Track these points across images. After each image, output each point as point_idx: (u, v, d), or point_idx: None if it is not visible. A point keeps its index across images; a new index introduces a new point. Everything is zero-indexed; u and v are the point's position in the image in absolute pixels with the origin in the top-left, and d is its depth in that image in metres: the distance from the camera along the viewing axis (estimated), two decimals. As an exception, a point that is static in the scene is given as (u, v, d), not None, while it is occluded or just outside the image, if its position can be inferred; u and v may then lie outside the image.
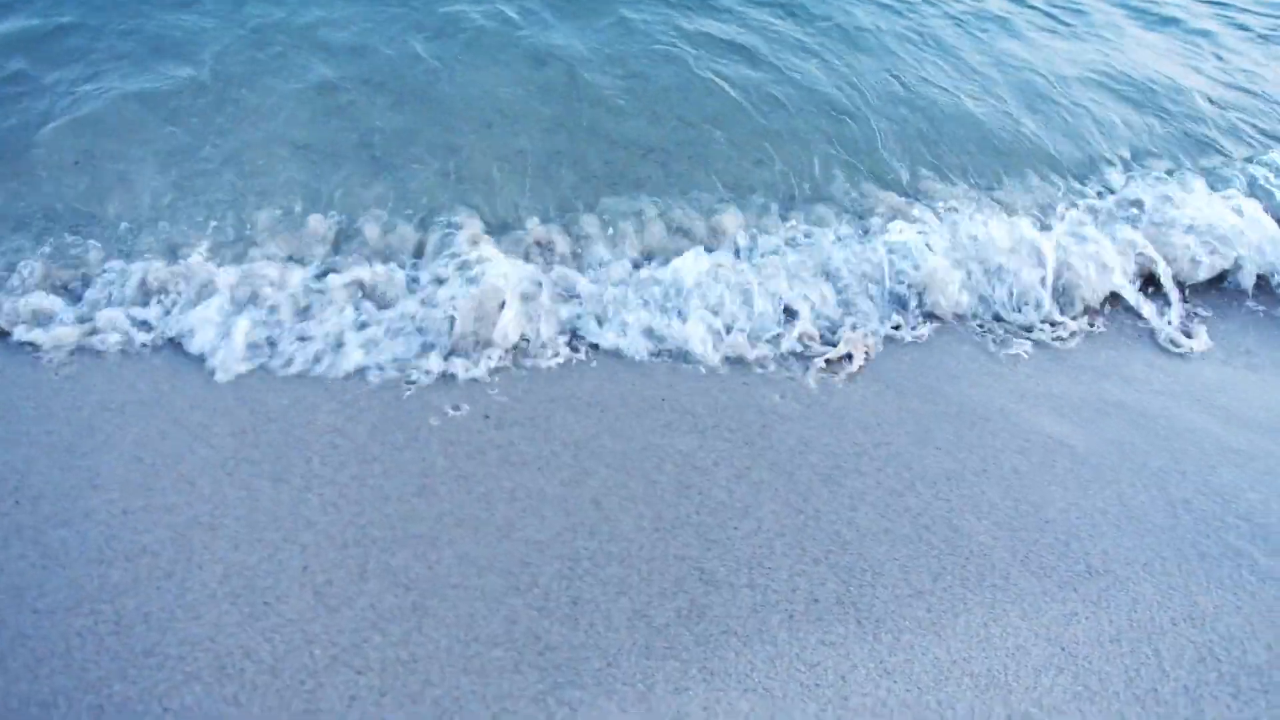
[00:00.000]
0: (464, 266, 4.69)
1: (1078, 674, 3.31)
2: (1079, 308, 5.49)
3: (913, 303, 5.24)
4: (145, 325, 4.27)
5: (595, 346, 4.59)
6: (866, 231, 5.59)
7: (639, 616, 3.25)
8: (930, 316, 5.22)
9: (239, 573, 3.22)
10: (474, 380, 4.25)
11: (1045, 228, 5.90)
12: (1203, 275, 5.90)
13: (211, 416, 3.89)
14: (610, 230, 5.24)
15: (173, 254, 4.69)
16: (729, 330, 4.76)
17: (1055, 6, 9.19)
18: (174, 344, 4.29)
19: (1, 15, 6.47)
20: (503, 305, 4.41)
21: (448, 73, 6.49)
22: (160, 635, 3.00)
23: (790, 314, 4.98)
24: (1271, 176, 6.81)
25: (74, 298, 4.44)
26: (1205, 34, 9.25)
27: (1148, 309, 5.56)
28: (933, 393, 4.62)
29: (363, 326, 4.37)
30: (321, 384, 4.13)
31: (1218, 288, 5.93)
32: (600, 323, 4.65)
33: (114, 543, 3.27)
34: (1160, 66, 8.33)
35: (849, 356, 4.71)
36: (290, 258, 4.74)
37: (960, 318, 5.26)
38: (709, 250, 5.21)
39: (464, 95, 6.31)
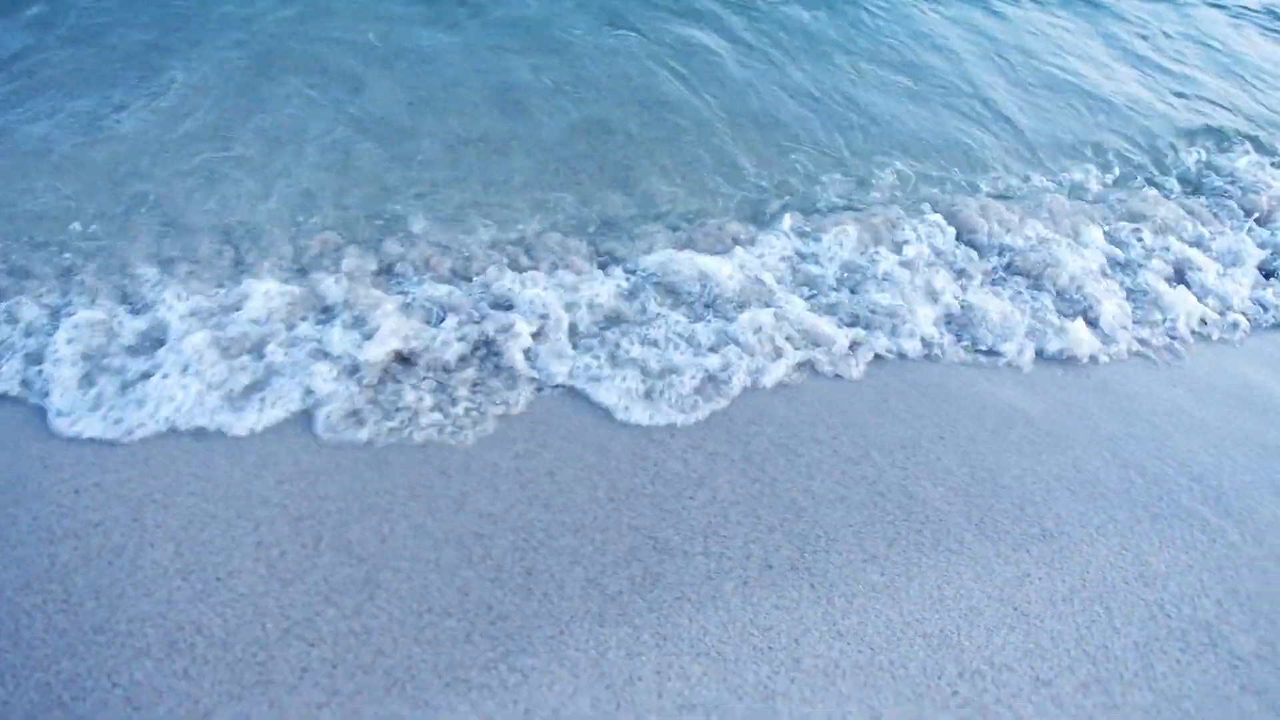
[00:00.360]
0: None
1: (1029, 632, 3.34)
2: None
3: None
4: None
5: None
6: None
7: (592, 585, 3.26)
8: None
9: (191, 549, 3.21)
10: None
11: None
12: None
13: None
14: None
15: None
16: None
17: None
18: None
19: None
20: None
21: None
22: (110, 612, 2.99)
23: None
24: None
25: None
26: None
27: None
28: (890, 363, 4.65)
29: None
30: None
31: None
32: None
33: (64, 520, 3.25)
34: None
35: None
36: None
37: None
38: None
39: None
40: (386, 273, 4.61)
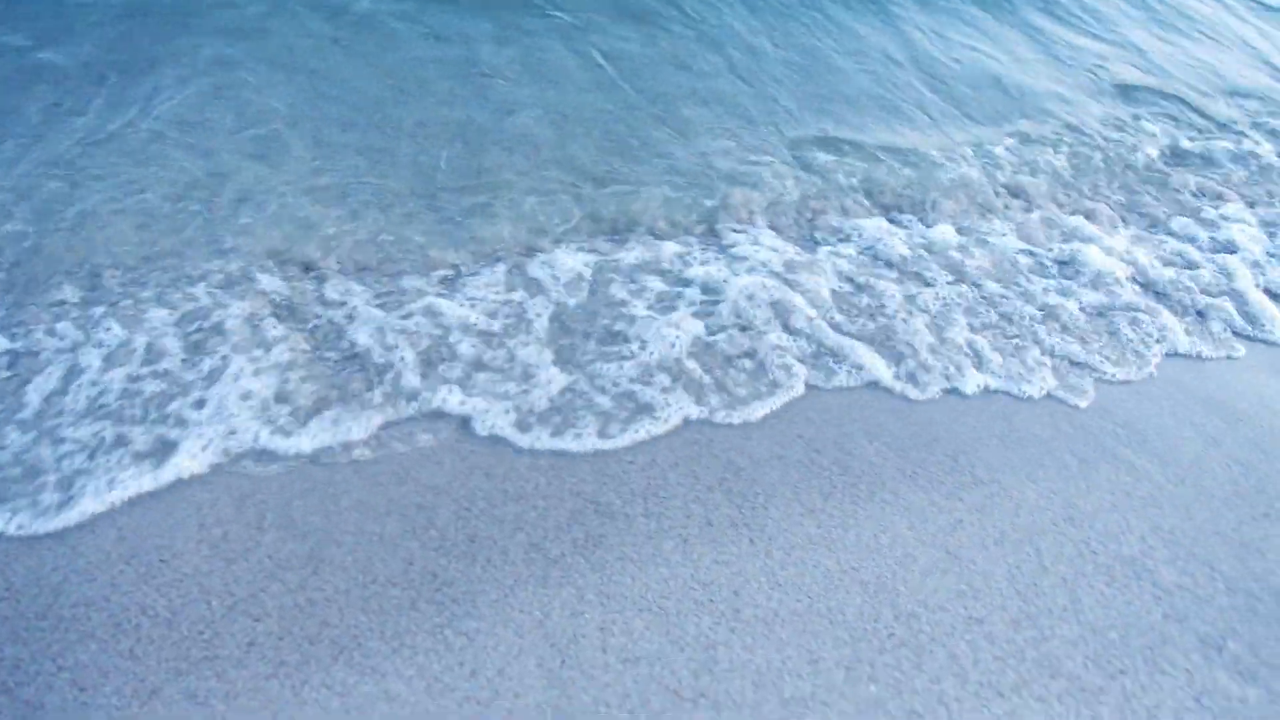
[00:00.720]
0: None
1: (962, 574, 3.44)
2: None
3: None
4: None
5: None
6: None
7: (535, 550, 3.32)
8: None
9: (133, 533, 3.22)
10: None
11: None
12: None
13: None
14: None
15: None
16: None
17: None
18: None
19: None
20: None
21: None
22: (53, 599, 3.00)
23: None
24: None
25: None
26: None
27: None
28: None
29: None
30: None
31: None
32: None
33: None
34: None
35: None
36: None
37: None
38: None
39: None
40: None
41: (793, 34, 8.08)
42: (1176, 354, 5.06)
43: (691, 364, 4.25)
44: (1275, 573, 3.68)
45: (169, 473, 3.40)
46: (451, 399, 3.86)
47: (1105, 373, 4.76)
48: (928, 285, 5.21)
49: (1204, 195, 7.07)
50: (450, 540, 3.31)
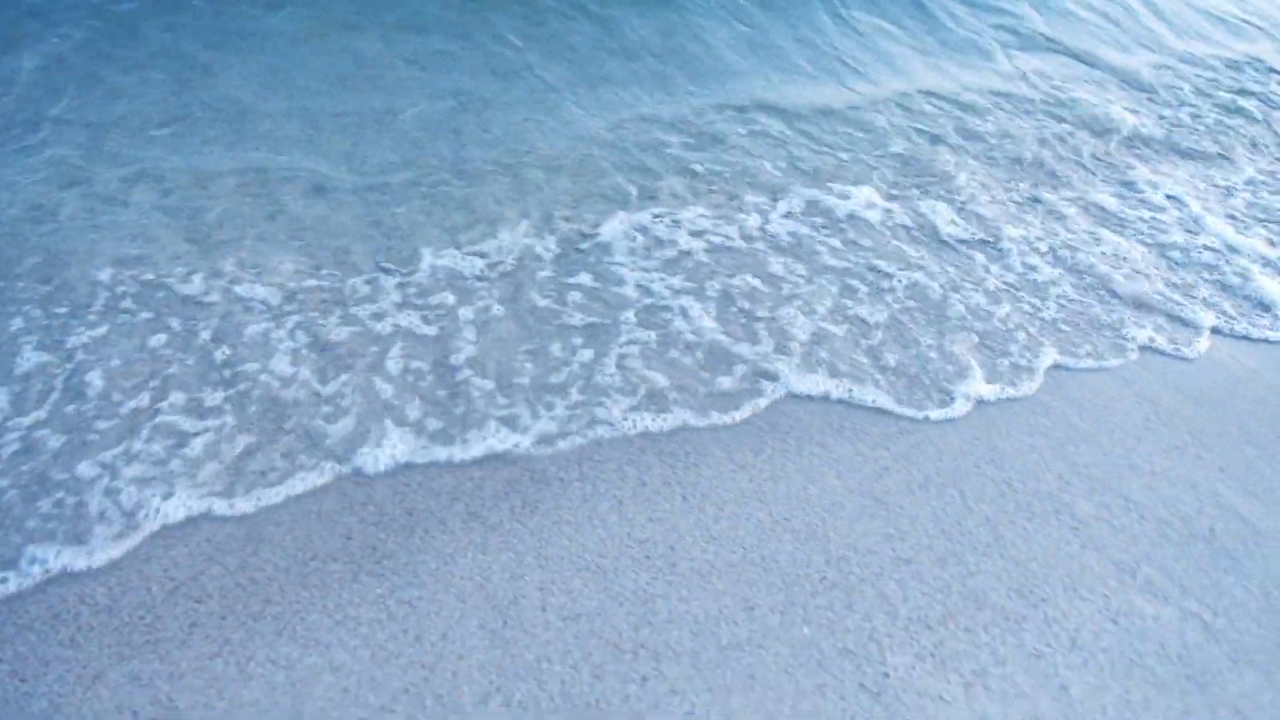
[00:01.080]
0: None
1: (889, 518, 3.57)
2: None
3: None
4: None
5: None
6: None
7: (473, 518, 3.38)
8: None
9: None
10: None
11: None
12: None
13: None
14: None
15: None
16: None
17: None
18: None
19: None
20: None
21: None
22: (-11, 594, 3.00)
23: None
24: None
25: None
26: None
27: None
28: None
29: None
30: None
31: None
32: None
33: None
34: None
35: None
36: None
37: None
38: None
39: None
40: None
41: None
42: (1088, 301, 5.24)
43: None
44: (1184, 500, 3.86)
45: (101, 464, 3.40)
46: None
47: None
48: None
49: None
50: (389, 514, 3.35)
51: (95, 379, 3.68)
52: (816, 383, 4.20)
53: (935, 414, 4.13)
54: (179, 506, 3.27)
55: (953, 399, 4.22)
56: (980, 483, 3.80)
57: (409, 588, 3.11)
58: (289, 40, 6.47)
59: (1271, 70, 9.80)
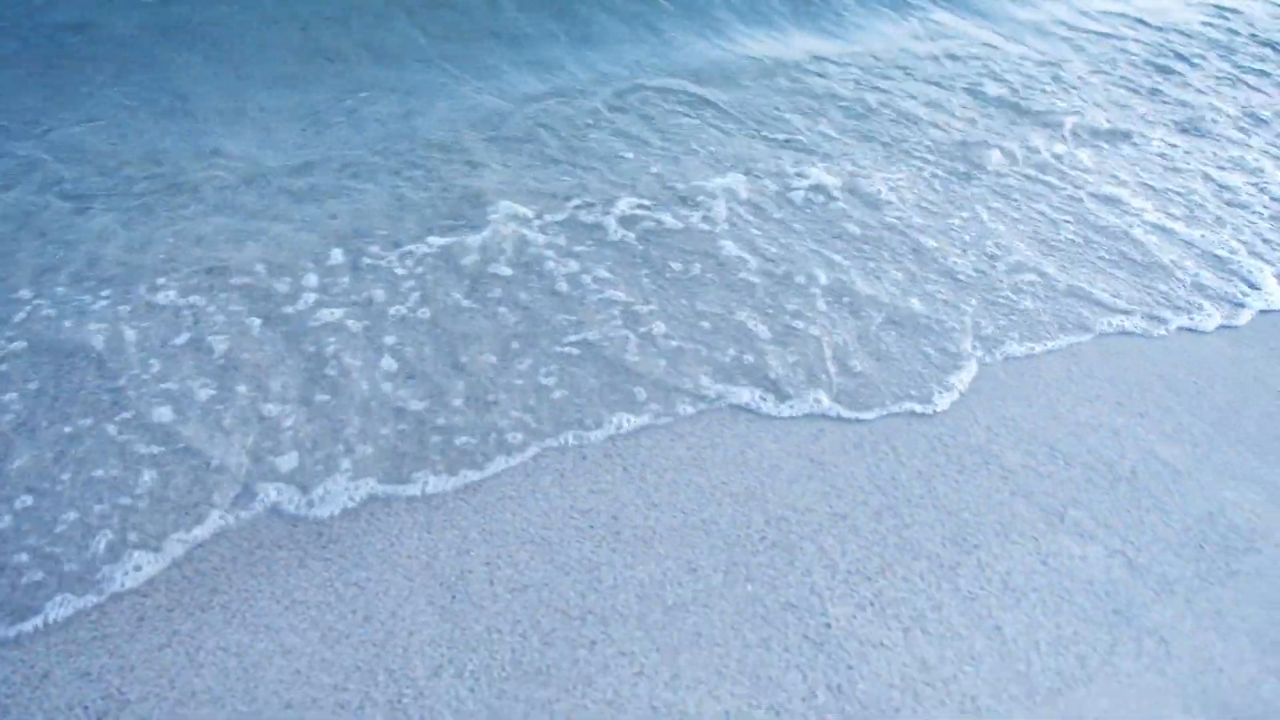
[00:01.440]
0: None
1: (825, 477, 3.67)
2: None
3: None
4: None
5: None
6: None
7: (417, 500, 3.41)
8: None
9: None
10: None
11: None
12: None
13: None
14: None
15: None
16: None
17: None
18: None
19: None
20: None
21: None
22: (-70, 600, 2.98)
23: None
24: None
25: None
26: None
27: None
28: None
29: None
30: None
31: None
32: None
33: None
34: None
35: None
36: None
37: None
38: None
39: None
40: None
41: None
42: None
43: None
44: (1106, 446, 4.01)
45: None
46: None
47: (953, 269, 5.06)
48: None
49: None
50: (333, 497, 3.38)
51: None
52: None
53: (866, 376, 4.24)
54: (119, 503, 3.26)
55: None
56: (911, 439, 3.92)
57: (356, 569, 3.14)
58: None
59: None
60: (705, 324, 4.44)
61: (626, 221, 5.15)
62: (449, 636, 2.95)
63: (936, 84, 7.68)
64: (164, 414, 3.62)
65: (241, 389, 3.77)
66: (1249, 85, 8.69)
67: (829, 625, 3.11)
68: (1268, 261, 5.62)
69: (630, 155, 5.87)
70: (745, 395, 4.05)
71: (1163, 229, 5.84)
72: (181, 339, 3.98)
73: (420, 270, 4.56)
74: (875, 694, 2.91)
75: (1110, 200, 6.09)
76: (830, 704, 2.87)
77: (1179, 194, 6.35)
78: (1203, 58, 9.20)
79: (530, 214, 5.09)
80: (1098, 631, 3.20)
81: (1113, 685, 3.03)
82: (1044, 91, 7.81)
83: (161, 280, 4.31)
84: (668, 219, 5.22)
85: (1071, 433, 4.07)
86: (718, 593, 3.18)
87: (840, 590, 3.23)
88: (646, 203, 5.33)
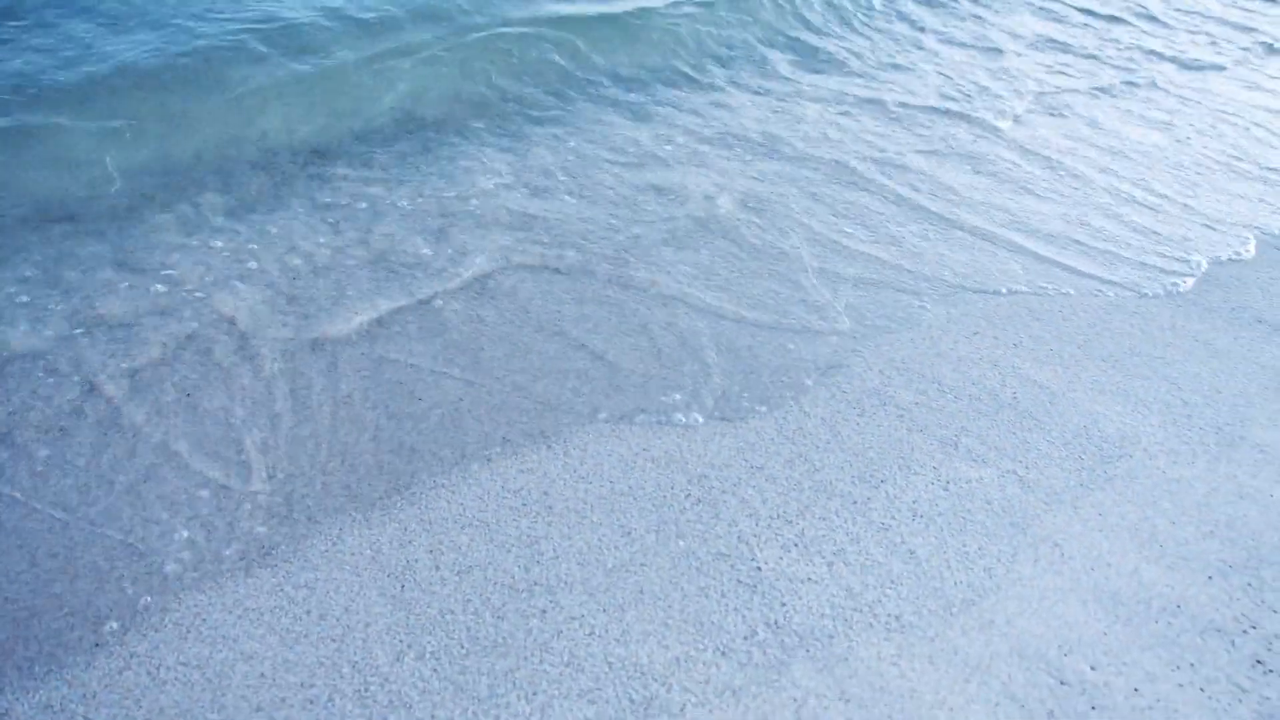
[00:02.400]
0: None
1: (738, 435, 3.91)
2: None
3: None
4: None
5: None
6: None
7: (353, 499, 3.52)
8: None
9: (-61, 576, 3.19)
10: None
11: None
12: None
13: None
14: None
15: None
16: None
17: None
18: None
19: None
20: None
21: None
22: None
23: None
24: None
25: None
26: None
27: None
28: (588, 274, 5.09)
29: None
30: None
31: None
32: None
33: None
34: None
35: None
36: None
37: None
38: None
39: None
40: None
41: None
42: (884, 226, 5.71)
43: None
44: (988, 377, 4.34)
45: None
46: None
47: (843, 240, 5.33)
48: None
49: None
50: (268, 506, 3.45)
51: None
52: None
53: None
54: (57, 535, 3.27)
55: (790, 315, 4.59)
56: (814, 392, 4.18)
57: (303, 572, 3.23)
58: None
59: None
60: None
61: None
62: (404, 623, 3.08)
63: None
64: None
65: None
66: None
67: (759, 568, 3.34)
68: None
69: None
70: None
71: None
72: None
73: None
74: (810, 625, 3.15)
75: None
76: (770, 639, 3.10)
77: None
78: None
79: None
80: (999, 544, 3.51)
81: (1017, 590, 3.34)
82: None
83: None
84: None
85: (955, 368, 4.39)
86: (653, 551, 3.37)
87: (765, 535, 3.46)
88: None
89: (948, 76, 8.04)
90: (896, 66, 8.18)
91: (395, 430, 3.80)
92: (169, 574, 3.20)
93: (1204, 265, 5.45)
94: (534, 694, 2.90)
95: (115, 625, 3.05)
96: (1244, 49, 9.24)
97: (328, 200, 5.31)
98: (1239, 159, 6.95)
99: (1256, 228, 5.92)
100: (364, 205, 5.29)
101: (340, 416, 3.85)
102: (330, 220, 5.13)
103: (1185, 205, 6.15)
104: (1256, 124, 7.67)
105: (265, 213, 5.14)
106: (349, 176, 5.58)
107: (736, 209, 5.59)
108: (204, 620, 3.06)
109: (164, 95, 6.08)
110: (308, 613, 3.10)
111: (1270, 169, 6.81)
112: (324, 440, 3.74)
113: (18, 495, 3.42)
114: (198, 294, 4.46)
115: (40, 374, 3.93)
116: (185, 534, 3.34)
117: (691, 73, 7.64)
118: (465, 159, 5.94)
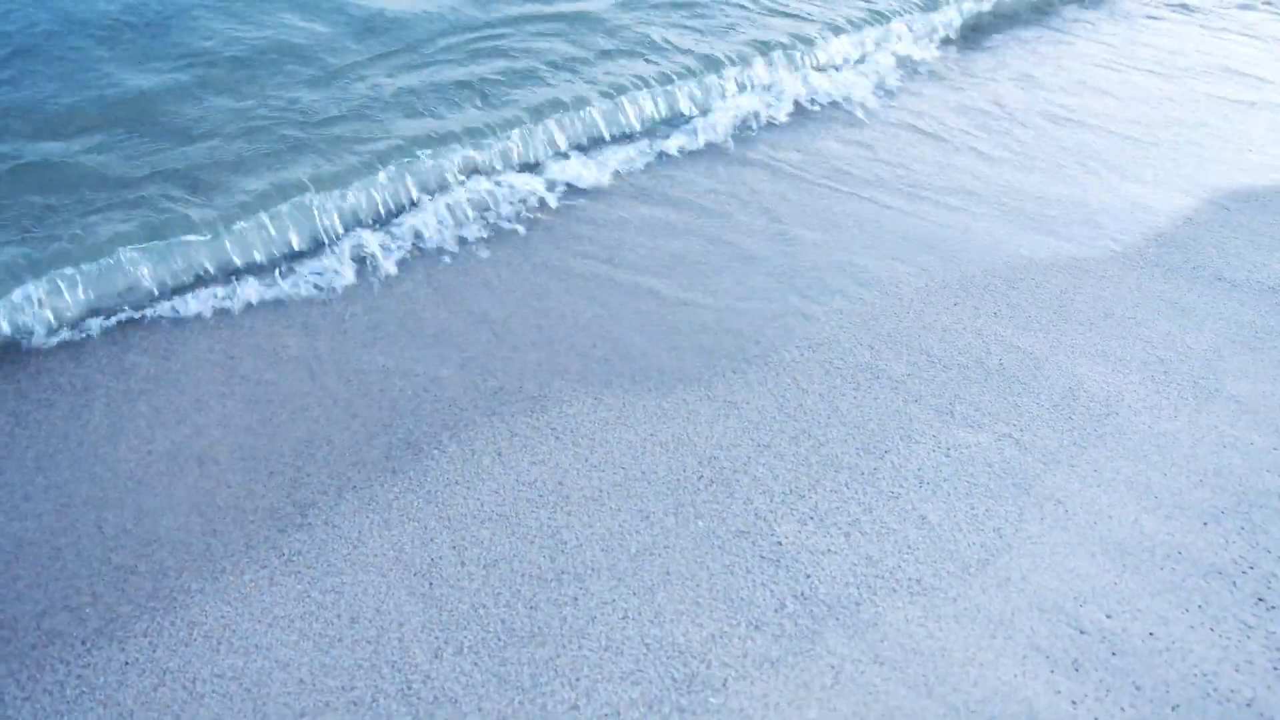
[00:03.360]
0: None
1: (742, 415, 3.96)
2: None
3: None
4: None
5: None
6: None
7: (365, 502, 3.51)
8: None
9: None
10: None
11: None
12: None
13: None
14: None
15: None
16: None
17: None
18: None
19: None
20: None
21: None
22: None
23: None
24: None
25: None
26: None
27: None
28: (551, 271, 5.10)
29: None
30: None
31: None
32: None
33: None
34: None
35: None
36: None
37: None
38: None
39: None
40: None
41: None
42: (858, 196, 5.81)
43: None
44: (973, 345, 4.45)
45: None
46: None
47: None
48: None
49: None
50: (280, 512, 3.43)
51: None
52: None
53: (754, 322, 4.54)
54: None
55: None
56: (807, 368, 4.25)
57: (327, 577, 3.22)
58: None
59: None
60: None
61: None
62: (438, 620, 3.08)
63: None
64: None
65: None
66: None
67: (780, 543, 3.39)
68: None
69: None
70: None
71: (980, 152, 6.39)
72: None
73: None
74: (836, 594, 3.22)
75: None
76: (800, 610, 3.15)
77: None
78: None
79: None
80: (1005, 505, 3.60)
81: (1029, 547, 3.43)
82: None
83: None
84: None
85: (940, 339, 4.49)
86: (674, 533, 3.41)
87: (781, 510, 3.52)
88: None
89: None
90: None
91: (405, 424, 3.79)
92: (190, 588, 3.16)
93: (1159, 225, 5.62)
94: (577, 680, 2.92)
95: (142, 643, 3.00)
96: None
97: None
98: (1184, 119, 7.16)
99: (1208, 186, 6.11)
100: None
101: (337, 410, 3.82)
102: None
103: (1129, 167, 6.32)
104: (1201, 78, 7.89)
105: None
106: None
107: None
108: (233, 631, 3.04)
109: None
110: (338, 616, 3.09)
111: (1204, 126, 7.02)
112: (332, 442, 3.71)
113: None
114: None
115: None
116: (202, 545, 3.29)
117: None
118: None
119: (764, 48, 7.41)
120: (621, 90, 6.50)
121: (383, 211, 5.22)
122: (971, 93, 7.27)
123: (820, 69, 7.45)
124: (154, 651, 2.98)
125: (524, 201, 5.40)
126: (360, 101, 6.04)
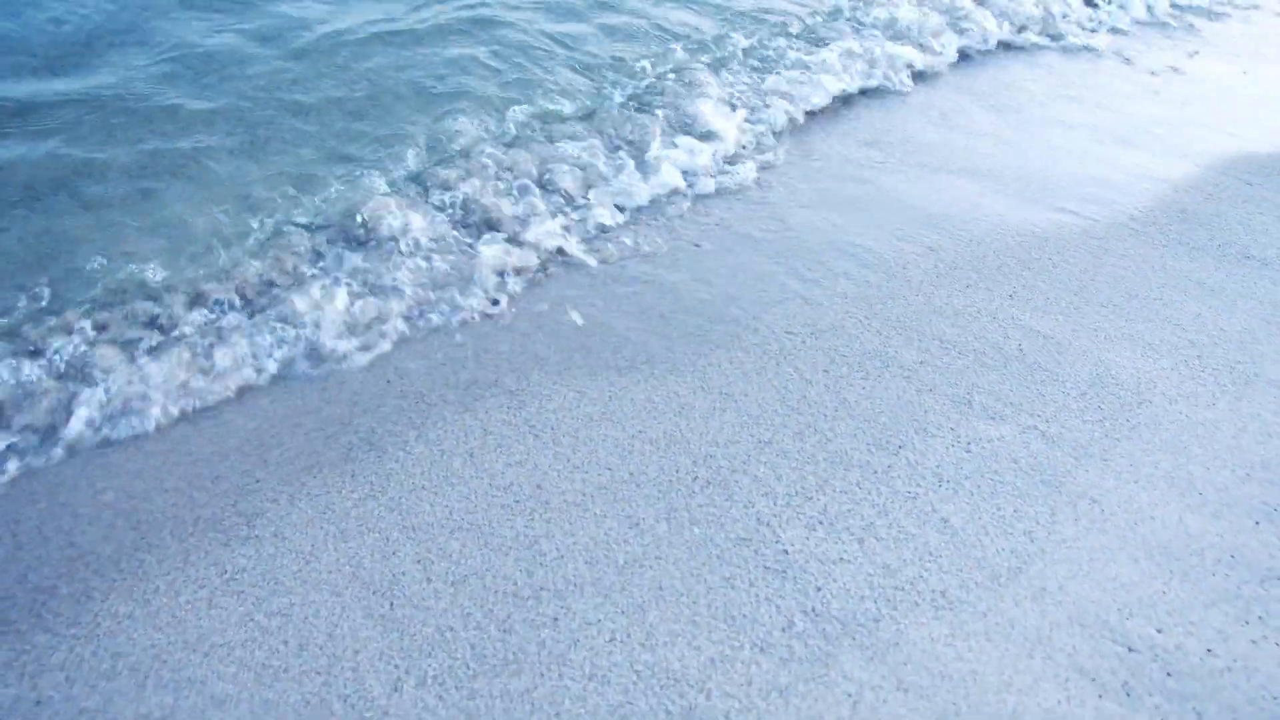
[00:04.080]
0: None
1: (740, 408, 3.58)
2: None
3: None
4: None
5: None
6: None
7: (323, 509, 3.12)
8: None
9: None
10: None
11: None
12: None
13: None
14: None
15: None
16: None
17: None
18: None
19: None
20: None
21: None
22: None
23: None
24: None
25: None
26: None
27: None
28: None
29: None
30: None
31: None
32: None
33: None
34: None
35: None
36: None
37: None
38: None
39: None
40: None
41: None
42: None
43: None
44: (989, 330, 4.08)
45: None
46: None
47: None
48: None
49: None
50: (224, 523, 3.04)
51: None
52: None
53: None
54: None
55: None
56: (811, 356, 3.87)
57: (274, 598, 2.83)
58: None
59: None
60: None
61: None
62: (398, 646, 2.70)
63: None
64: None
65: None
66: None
67: (786, 551, 3.02)
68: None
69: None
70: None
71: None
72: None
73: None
74: (851, 609, 2.84)
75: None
76: (811, 629, 2.78)
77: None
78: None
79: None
80: (1035, 505, 3.23)
81: (1064, 552, 3.07)
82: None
83: None
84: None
85: (953, 323, 4.12)
86: (666, 542, 3.03)
87: (786, 515, 3.14)
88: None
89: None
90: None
91: (370, 423, 3.40)
92: (118, 612, 2.76)
93: (1184, 203, 5.26)
94: (557, 715, 2.54)
95: (60, 676, 2.60)
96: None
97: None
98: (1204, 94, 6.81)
99: (1228, 160, 5.75)
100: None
101: (305, 420, 3.43)
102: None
103: (1151, 140, 5.97)
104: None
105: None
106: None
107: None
108: (164, 663, 2.65)
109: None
110: (285, 643, 2.70)
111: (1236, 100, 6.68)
112: (284, 444, 3.31)
113: None
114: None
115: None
116: (134, 562, 2.90)
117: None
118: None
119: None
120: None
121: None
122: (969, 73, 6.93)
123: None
124: (70, 689, 2.60)
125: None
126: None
